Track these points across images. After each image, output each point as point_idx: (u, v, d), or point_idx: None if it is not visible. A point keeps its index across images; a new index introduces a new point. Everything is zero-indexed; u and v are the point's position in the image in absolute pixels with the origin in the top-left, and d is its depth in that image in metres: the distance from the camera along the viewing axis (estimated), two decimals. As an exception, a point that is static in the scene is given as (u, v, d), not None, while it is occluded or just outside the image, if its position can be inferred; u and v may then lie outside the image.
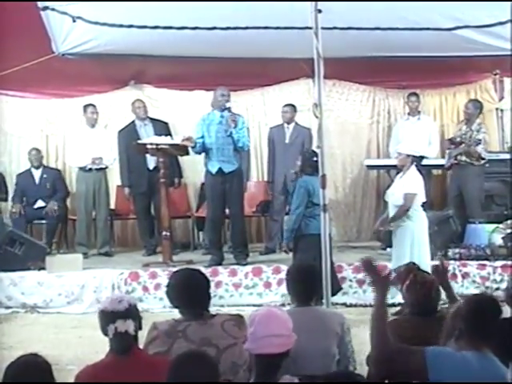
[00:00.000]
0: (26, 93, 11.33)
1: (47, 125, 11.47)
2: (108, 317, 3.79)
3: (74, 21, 8.61)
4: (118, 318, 3.76)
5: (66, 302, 8.86)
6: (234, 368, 3.93)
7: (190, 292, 4.15)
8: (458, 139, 10.00)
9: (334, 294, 7.13)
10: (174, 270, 4.55)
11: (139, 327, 3.86)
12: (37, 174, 10.65)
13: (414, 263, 6.23)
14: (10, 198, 10.68)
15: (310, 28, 6.81)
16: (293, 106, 10.42)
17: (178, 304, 4.21)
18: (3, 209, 10.72)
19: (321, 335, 4.38)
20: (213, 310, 4.26)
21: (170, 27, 8.61)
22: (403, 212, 7.87)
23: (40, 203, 10.40)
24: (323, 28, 6.66)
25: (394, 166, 8.67)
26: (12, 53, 9.36)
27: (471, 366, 3.43)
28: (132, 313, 3.81)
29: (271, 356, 3.39)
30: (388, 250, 8.93)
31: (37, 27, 8.89)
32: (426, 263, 7.50)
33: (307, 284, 4.60)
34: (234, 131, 8.85)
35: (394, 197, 8.06)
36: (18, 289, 8.91)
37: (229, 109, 8.94)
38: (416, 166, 8.19)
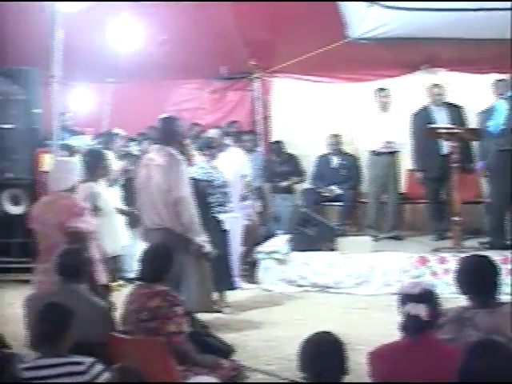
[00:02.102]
0: (319, 77, 11.61)
1: (340, 109, 11.67)
2: (402, 299, 3.85)
3: (370, 6, 8.72)
4: (410, 301, 3.79)
5: (355, 284, 9.03)
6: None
7: (479, 279, 4.08)
8: None
9: None
10: (463, 255, 4.47)
11: (436, 314, 3.85)
12: (334, 159, 10.91)
13: None
14: (305, 179, 11.08)
15: None
16: None
17: (466, 290, 4.15)
18: (295, 189, 11.14)
19: None
20: (506, 299, 4.16)
21: (466, 9, 8.44)
22: None
23: (333, 188, 10.66)
24: None
25: None
26: (306, 39, 9.68)
27: None
28: (426, 298, 3.81)
29: None
30: None
31: (331, 14, 9.10)
32: None
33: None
34: None
35: None
36: (310, 268, 9.20)
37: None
38: None
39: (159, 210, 6.56)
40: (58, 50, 7.91)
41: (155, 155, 6.75)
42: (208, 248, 6.74)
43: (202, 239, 6.65)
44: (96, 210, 6.82)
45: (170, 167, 6.53)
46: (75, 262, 4.94)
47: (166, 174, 6.51)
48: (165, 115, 7.07)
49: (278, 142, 11.42)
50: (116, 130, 9.93)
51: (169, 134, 6.76)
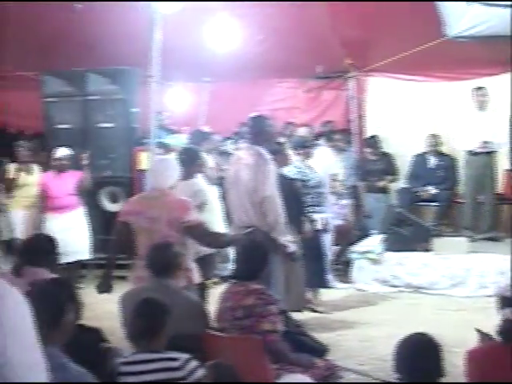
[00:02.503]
0: (415, 76, 11.50)
1: (436, 108, 11.52)
2: (500, 302, 3.79)
3: (469, 4, 8.61)
4: (507, 305, 3.73)
5: (450, 285, 8.92)
6: None
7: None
8: None
9: None
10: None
11: None
12: (431, 159, 10.82)
13: None
14: (398, 178, 11.01)
15: None
16: None
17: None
18: (389, 189, 11.07)
19: None
20: None
21: None
22: None
23: (429, 188, 10.57)
24: None
25: None
26: (403, 37, 9.60)
27: None
28: None
29: None
30: None
31: (428, 12, 9.01)
32: None
33: None
34: None
35: None
36: (404, 269, 9.14)
37: None
38: None
39: (247, 208, 6.57)
40: (156, 50, 8.04)
41: (244, 154, 6.77)
42: (292, 248, 6.72)
43: (287, 239, 6.64)
44: (202, 206, 6.86)
45: (258, 166, 6.52)
46: (166, 257, 4.95)
47: (253, 173, 6.51)
48: (254, 114, 7.07)
49: (373, 137, 11.35)
50: (205, 128, 9.99)
51: (258, 133, 6.76)
